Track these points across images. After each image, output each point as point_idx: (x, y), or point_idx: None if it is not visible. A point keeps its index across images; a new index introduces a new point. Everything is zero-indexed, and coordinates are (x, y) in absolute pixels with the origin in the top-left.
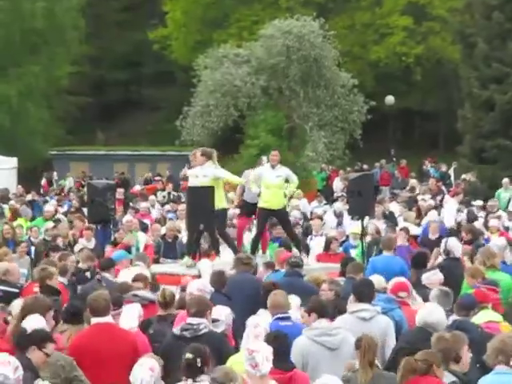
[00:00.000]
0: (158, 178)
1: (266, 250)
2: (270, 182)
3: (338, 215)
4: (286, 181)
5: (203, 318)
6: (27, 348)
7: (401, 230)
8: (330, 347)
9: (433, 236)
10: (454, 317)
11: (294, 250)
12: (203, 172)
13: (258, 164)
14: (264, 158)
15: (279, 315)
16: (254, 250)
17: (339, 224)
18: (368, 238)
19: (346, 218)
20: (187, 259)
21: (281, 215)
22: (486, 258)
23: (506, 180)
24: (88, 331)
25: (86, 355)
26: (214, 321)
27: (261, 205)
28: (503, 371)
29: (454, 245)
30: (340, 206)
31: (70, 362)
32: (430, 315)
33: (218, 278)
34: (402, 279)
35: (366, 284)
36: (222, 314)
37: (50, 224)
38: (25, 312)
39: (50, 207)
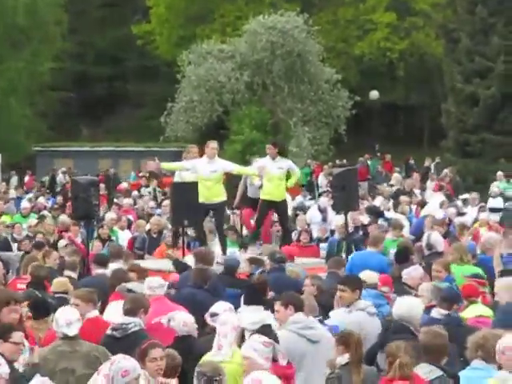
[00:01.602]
0: (141, 174)
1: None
2: (272, 174)
3: (323, 210)
4: (289, 173)
5: (136, 316)
6: None
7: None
8: (312, 340)
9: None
10: (438, 310)
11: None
12: (212, 167)
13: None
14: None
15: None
16: (253, 241)
17: (323, 219)
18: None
19: (330, 213)
20: (171, 252)
21: (281, 207)
22: (464, 254)
23: (500, 173)
24: (88, 324)
25: None
26: (213, 315)
27: (263, 197)
28: (479, 366)
29: (437, 239)
30: (324, 201)
31: (104, 352)
32: (402, 309)
33: (200, 274)
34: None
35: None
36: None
37: (34, 221)
38: None
39: (26, 203)
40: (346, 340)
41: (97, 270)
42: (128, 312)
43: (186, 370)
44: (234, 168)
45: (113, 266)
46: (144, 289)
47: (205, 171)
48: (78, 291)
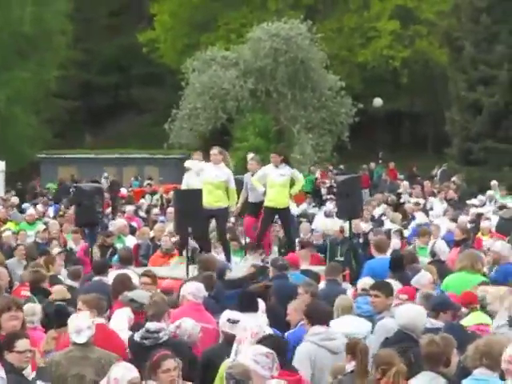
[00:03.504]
0: (148, 181)
1: (270, 253)
2: (274, 181)
3: (328, 216)
4: (292, 180)
5: (160, 321)
6: (0, 354)
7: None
8: (333, 351)
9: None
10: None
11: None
12: (217, 172)
13: (250, 162)
14: (251, 154)
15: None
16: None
17: None
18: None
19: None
20: (178, 259)
21: (284, 215)
22: (475, 262)
23: (494, 182)
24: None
25: None
26: (234, 322)
27: (266, 204)
28: (485, 377)
29: (442, 247)
30: (331, 207)
31: (115, 359)
32: (405, 317)
33: (207, 281)
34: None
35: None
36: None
37: (42, 226)
38: None
39: (31, 210)
40: (352, 348)
41: (95, 278)
42: (153, 317)
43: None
44: (233, 187)
45: (123, 271)
46: (184, 293)
47: (210, 174)
48: (86, 296)
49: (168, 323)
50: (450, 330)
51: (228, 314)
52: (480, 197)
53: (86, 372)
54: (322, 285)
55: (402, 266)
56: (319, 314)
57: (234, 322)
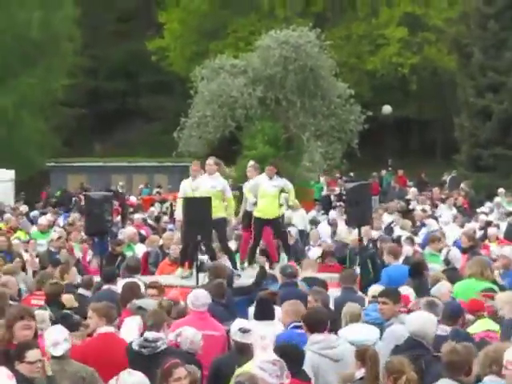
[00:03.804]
0: (157, 189)
1: (278, 260)
2: (266, 191)
3: (332, 224)
4: (283, 190)
5: (160, 331)
6: (12, 364)
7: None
8: (335, 359)
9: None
10: (444, 326)
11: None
12: (213, 182)
13: (248, 169)
14: (250, 162)
15: (295, 323)
16: (250, 259)
17: (334, 233)
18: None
19: (340, 227)
20: (181, 270)
21: (275, 225)
22: (484, 268)
23: (501, 190)
24: (99, 339)
25: (95, 363)
26: (246, 331)
27: (255, 214)
28: (495, 383)
29: (456, 255)
30: (335, 215)
31: (91, 373)
32: (416, 324)
33: (218, 289)
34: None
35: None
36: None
37: (55, 235)
38: None
39: (42, 220)
40: (361, 355)
41: (104, 286)
42: (152, 327)
43: None
44: (229, 196)
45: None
46: (188, 302)
47: (206, 185)
48: (96, 304)
49: (167, 332)
50: (457, 337)
51: (239, 322)
52: (488, 204)
53: None
54: (336, 292)
55: (421, 272)
56: (316, 322)
57: (246, 331)
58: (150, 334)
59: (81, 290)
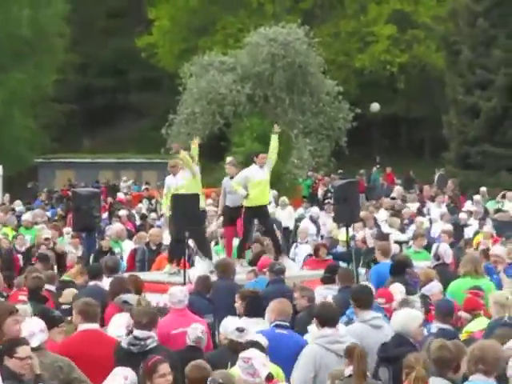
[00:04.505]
0: (145, 185)
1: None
2: (261, 179)
3: (315, 221)
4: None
5: (151, 331)
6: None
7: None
8: (340, 354)
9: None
10: (436, 324)
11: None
12: (182, 175)
13: (227, 166)
14: (228, 158)
15: (278, 322)
16: (239, 253)
17: (318, 230)
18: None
19: (323, 223)
20: (169, 267)
21: (265, 211)
22: (478, 266)
23: (483, 189)
24: (77, 336)
25: (74, 361)
26: (241, 330)
27: (247, 204)
28: (481, 382)
29: (446, 250)
30: (316, 211)
31: (68, 363)
32: (399, 321)
33: (203, 283)
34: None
35: (368, 291)
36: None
37: (44, 235)
38: None
39: (27, 216)
40: (349, 352)
41: (91, 282)
42: (145, 326)
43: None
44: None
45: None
46: (165, 299)
47: (172, 183)
48: (77, 301)
49: (156, 332)
50: (442, 335)
51: (234, 321)
52: (469, 202)
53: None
54: (334, 292)
55: (402, 270)
56: (329, 316)
57: (242, 330)
58: (139, 333)
59: (47, 286)
